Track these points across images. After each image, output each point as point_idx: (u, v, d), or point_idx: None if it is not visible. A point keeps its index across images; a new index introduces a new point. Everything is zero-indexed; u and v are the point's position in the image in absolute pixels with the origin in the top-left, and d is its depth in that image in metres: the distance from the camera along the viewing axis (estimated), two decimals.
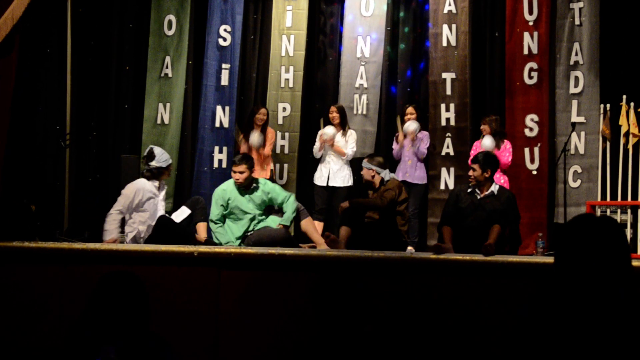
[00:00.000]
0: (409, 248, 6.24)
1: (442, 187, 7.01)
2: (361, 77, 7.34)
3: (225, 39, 7.44)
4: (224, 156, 7.27)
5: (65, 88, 7.09)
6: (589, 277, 1.94)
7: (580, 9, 6.72)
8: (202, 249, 4.14)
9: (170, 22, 7.40)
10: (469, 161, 5.77)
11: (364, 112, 7.29)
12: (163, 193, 5.86)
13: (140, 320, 2.45)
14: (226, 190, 5.73)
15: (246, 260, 4.02)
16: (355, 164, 6.92)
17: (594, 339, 1.88)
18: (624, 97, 6.31)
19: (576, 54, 6.74)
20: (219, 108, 7.37)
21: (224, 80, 7.42)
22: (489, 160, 5.46)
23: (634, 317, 1.90)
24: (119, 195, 5.67)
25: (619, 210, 6.05)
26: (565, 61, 6.80)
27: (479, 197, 5.39)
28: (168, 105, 7.32)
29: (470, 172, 5.44)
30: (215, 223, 5.70)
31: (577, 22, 6.74)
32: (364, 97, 7.29)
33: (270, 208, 5.79)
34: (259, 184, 5.74)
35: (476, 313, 3.85)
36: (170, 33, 7.40)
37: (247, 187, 5.66)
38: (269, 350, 3.85)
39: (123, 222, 5.67)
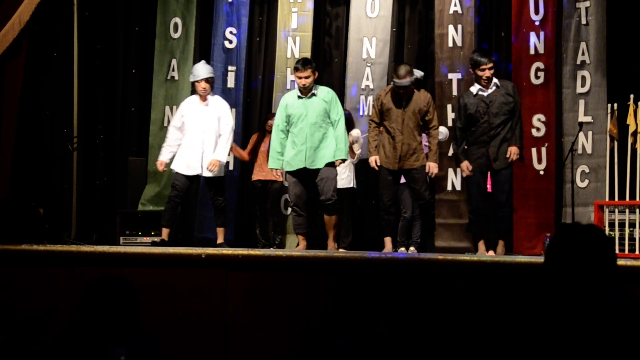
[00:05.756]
0: (411, 248, 6.23)
1: (449, 188, 7.00)
2: (367, 79, 7.34)
3: (231, 41, 7.45)
4: (230, 159, 7.28)
5: (72, 91, 7.13)
6: (577, 282, 1.98)
7: (586, 8, 6.69)
8: (209, 251, 4.15)
9: (176, 24, 7.42)
10: (483, 65, 5.62)
11: (370, 114, 7.28)
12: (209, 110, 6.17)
13: (134, 321, 2.48)
14: (286, 98, 5.86)
15: (254, 262, 4.02)
16: (360, 166, 6.92)
17: (585, 341, 1.91)
18: (632, 96, 6.27)
19: (583, 54, 6.71)
20: None
21: (230, 83, 7.43)
22: (490, 53, 5.81)
23: (626, 318, 1.93)
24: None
25: (627, 210, 6.02)
26: (572, 61, 6.78)
27: (486, 94, 5.58)
28: (175, 107, 7.34)
29: (488, 73, 5.58)
30: (282, 131, 5.80)
31: (583, 21, 6.72)
32: (370, 98, 7.29)
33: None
34: (318, 92, 5.77)
35: (484, 313, 3.84)
36: (176, 36, 7.41)
37: (307, 92, 5.73)
38: (277, 352, 3.84)
39: None
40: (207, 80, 6.10)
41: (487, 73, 5.56)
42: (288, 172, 5.80)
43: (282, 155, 5.78)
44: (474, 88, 5.70)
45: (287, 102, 5.79)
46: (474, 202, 5.78)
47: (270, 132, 6.86)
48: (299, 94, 5.73)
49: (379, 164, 5.83)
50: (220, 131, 6.14)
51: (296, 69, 5.70)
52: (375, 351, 2.36)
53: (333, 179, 5.74)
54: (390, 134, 5.78)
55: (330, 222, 5.77)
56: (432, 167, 5.83)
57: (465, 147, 5.76)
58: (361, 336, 2.40)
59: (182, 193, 6.09)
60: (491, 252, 5.66)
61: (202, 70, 6.15)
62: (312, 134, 5.69)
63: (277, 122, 5.83)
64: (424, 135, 6.00)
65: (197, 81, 6.12)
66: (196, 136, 6.08)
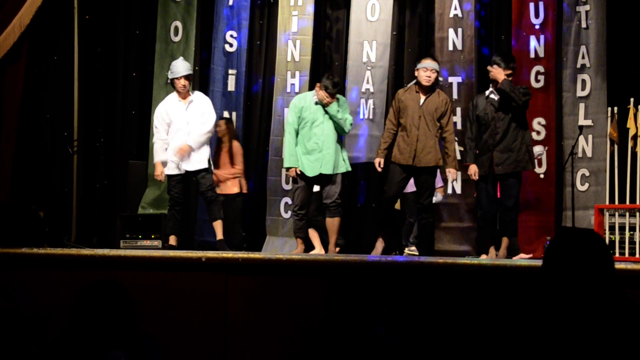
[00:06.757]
0: (412, 248, 6.24)
1: (450, 191, 6.99)
2: (367, 82, 7.34)
3: (231, 45, 7.46)
4: None
5: (72, 95, 7.14)
6: (576, 286, 1.98)
7: (586, 11, 6.71)
8: (209, 255, 4.15)
9: (176, 28, 7.43)
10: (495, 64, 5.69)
11: (371, 117, 7.29)
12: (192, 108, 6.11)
13: (132, 325, 2.48)
14: (301, 101, 5.94)
15: (254, 266, 4.03)
16: (362, 169, 6.92)
17: (584, 344, 1.91)
18: (632, 99, 6.28)
19: (583, 57, 6.73)
20: (225, 114, 7.38)
21: (231, 86, 7.44)
22: (512, 57, 5.79)
23: (623, 321, 1.93)
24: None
25: (627, 214, 6.01)
26: (572, 64, 6.79)
27: (496, 97, 5.58)
28: None
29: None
30: (295, 130, 5.89)
31: (583, 25, 6.73)
32: (370, 101, 7.30)
33: None
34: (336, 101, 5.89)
35: (484, 316, 3.83)
36: (176, 39, 7.42)
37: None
38: (277, 355, 3.84)
39: None
40: (186, 77, 6.06)
41: None
42: (301, 176, 5.86)
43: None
44: (488, 91, 5.73)
45: (303, 105, 5.87)
46: (482, 210, 5.80)
47: (220, 137, 6.85)
48: (316, 101, 5.81)
49: (382, 166, 5.85)
50: (201, 123, 6.09)
51: (326, 89, 5.78)
52: (374, 354, 2.36)
53: (339, 183, 5.87)
54: (406, 131, 5.77)
55: (333, 225, 5.82)
56: (453, 174, 5.87)
57: (477, 151, 5.76)
58: (360, 339, 2.40)
59: (179, 199, 6.09)
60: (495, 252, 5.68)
61: (181, 66, 6.09)
62: (330, 140, 5.76)
63: (291, 122, 5.90)
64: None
65: (176, 78, 6.05)
66: (182, 136, 6.06)
